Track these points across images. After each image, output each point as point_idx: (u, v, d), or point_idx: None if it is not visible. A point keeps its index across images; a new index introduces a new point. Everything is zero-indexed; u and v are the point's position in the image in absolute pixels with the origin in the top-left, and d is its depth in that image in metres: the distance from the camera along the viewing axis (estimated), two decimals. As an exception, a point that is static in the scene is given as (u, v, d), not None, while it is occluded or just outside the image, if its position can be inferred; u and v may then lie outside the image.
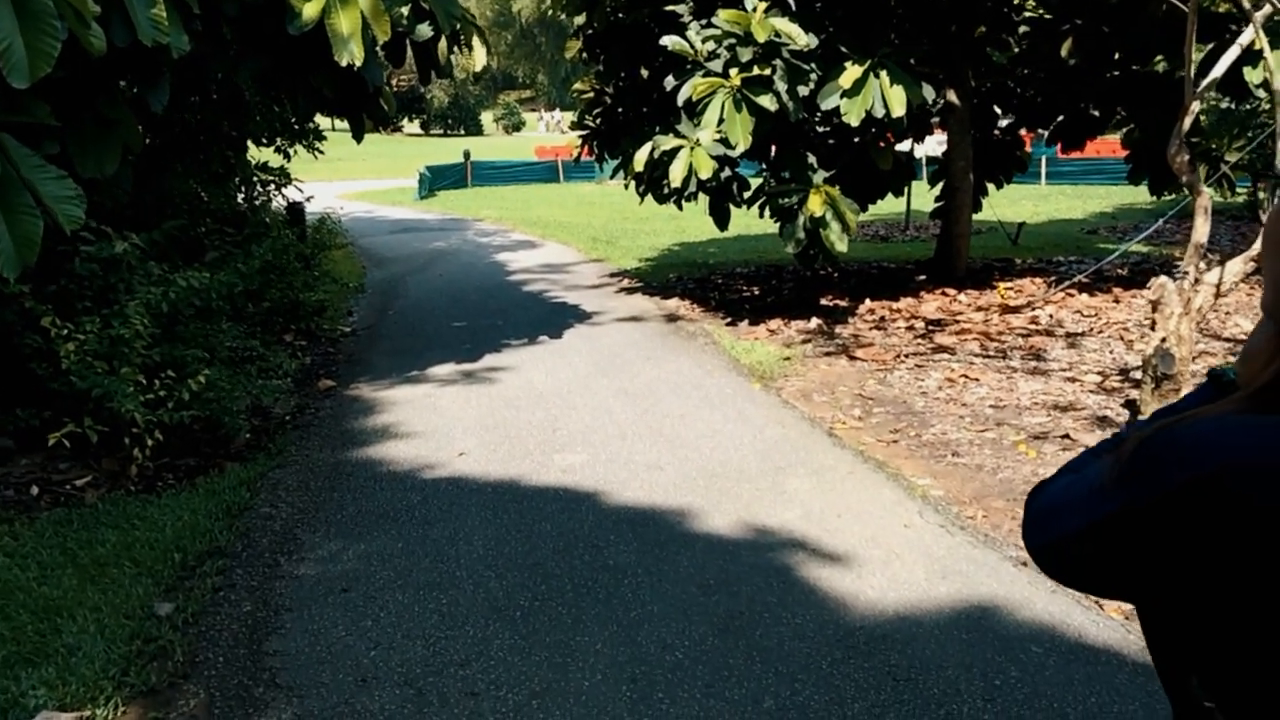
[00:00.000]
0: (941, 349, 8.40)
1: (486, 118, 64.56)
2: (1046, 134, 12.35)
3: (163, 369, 5.31)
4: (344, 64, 6.27)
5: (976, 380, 7.31)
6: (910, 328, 9.22)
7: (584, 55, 11.02)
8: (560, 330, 9.65)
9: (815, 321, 9.51)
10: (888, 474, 5.48)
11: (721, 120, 8.46)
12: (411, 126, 62.11)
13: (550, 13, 66.40)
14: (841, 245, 8.96)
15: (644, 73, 11.17)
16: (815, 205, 8.76)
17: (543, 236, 17.77)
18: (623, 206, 22.88)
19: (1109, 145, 19.01)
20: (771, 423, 6.46)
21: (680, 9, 9.99)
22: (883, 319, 9.66)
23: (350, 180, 30.58)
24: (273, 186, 12.24)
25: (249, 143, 11.01)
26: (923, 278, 11.69)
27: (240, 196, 11.28)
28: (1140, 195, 16.97)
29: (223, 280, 5.88)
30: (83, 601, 3.78)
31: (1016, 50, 12.21)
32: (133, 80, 5.80)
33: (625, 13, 10.27)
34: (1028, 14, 12.01)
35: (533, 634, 3.67)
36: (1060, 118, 11.79)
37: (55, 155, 5.57)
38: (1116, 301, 9.99)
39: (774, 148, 10.16)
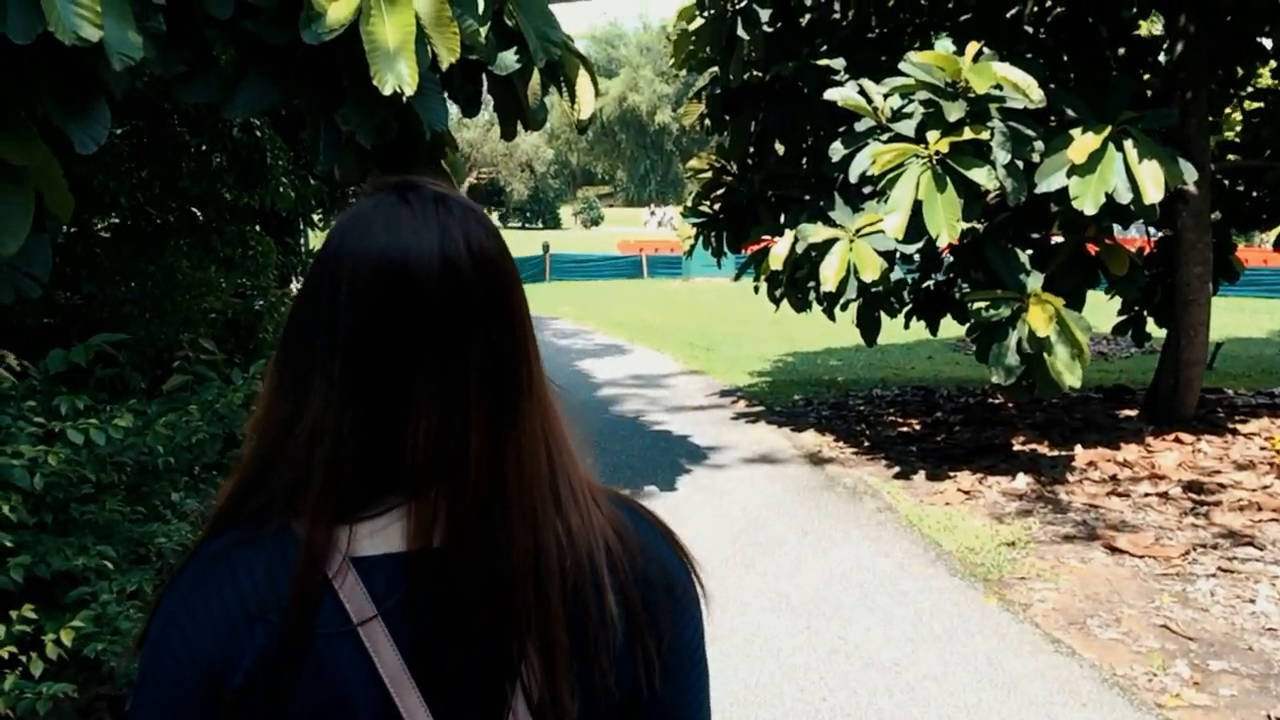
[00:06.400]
0: (1235, 535, 5.73)
1: (565, 211, 63.51)
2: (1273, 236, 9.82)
3: (24, 600, 2.94)
4: (387, 92, 3.99)
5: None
6: (1164, 495, 6.55)
7: (705, 122, 8.77)
8: (670, 477, 7.18)
9: (1024, 480, 6.89)
10: None
11: (917, 202, 6.04)
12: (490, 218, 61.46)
13: (631, 110, 66.10)
14: (1072, 377, 6.37)
15: (779, 147, 8.90)
16: (1039, 322, 6.23)
17: (631, 340, 15.44)
18: (715, 307, 20.54)
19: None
20: (1056, 690, 3.86)
21: (837, 63, 7.72)
22: (1114, 478, 7.00)
23: (421, 270, 28.84)
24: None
25: (288, 216, 8.88)
26: (1130, 414, 9.00)
27: (294, 285, 9.11)
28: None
29: (162, 428, 3.55)
30: None
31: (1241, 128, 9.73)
32: (47, 102, 3.58)
33: (764, 68, 8.01)
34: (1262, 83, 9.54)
35: None
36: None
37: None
38: None
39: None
